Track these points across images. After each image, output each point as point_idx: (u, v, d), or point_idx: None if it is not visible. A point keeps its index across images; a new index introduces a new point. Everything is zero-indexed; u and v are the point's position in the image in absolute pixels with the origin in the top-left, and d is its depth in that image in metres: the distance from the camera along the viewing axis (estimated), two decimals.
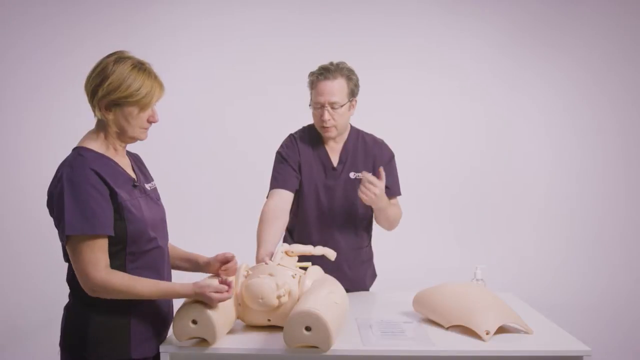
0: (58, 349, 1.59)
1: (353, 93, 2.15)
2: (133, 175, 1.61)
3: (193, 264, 1.76)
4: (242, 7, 3.57)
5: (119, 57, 1.51)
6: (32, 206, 3.28)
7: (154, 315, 1.60)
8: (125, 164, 1.60)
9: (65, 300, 1.60)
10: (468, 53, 3.62)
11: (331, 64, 2.13)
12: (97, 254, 1.44)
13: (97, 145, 1.53)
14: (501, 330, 1.70)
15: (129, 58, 1.52)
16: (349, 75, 2.13)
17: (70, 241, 1.44)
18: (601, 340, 3.02)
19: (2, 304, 3.23)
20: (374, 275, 2.40)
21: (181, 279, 1.68)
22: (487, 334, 1.64)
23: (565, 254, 3.57)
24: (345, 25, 3.57)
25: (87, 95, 1.51)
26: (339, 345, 1.56)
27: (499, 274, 2.62)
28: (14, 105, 3.41)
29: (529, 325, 1.73)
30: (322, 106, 2.08)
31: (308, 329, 1.47)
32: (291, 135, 2.28)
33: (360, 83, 2.25)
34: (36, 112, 3.42)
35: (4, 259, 3.27)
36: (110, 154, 1.55)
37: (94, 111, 1.52)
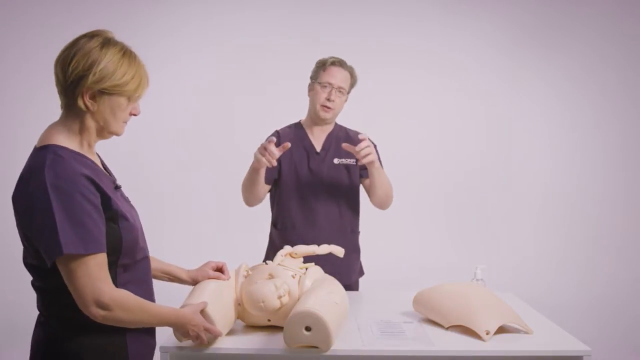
0: None
1: (349, 90, 2.30)
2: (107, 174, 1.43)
3: (174, 278, 1.68)
4: (242, 8, 3.57)
5: (106, 40, 1.33)
6: None
7: (147, 330, 1.49)
8: (99, 163, 1.42)
9: None
10: (468, 53, 3.63)
11: (341, 59, 2.28)
12: (103, 270, 1.27)
13: (69, 142, 1.33)
14: (501, 330, 1.70)
15: (115, 41, 1.35)
16: (352, 74, 2.29)
17: (67, 260, 1.24)
18: (601, 340, 3.03)
19: (2, 304, 3.23)
20: (361, 272, 2.41)
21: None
22: (487, 334, 1.64)
23: (564, 253, 3.58)
24: (345, 25, 3.57)
25: (65, 81, 1.31)
26: (339, 345, 1.56)
27: (499, 274, 2.62)
28: (14, 105, 3.41)
29: (529, 325, 1.73)
30: (331, 87, 2.20)
31: (308, 329, 1.47)
32: (275, 130, 2.34)
33: (360, 82, 2.32)
34: (37, 112, 3.42)
35: (3, 259, 3.27)
36: (84, 151, 1.35)
37: (70, 101, 1.32)
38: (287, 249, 1.85)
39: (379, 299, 2.20)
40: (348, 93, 2.29)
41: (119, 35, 1.38)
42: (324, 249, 1.91)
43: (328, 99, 2.19)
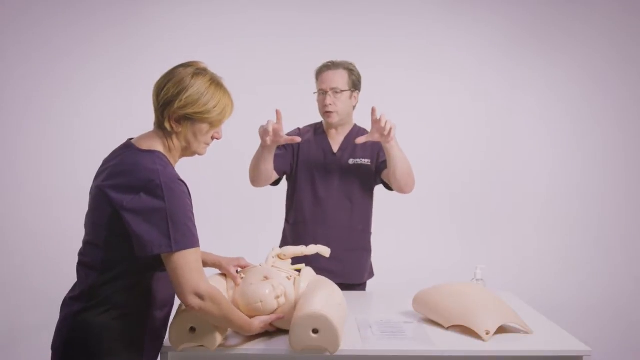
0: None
1: (355, 85, 2.28)
2: None
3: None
4: (243, 8, 3.57)
5: (197, 70, 1.47)
6: (32, 206, 3.28)
7: (161, 330, 1.56)
8: None
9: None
10: (469, 53, 3.62)
11: (334, 60, 2.30)
12: (200, 263, 1.42)
13: (165, 152, 1.49)
14: (501, 330, 1.70)
15: (206, 71, 1.49)
16: (350, 69, 2.27)
17: (172, 255, 1.37)
18: (601, 340, 3.03)
19: (2, 304, 3.23)
20: (371, 273, 2.41)
21: None
22: (487, 334, 1.64)
23: (565, 253, 3.57)
24: (345, 25, 3.57)
25: (157, 103, 1.47)
26: None
27: (499, 274, 2.61)
28: (14, 105, 3.41)
29: (529, 325, 1.73)
30: (325, 92, 2.23)
31: (315, 331, 1.47)
32: (297, 127, 2.39)
33: (362, 83, 2.30)
34: (37, 111, 3.42)
35: (4, 259, 3.27)
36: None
37: (160, 121, 1.47)
38: (276, 250, 1.85)
39: (379, 298, 2.21)
40: (354, 89, 2.27)
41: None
42: (311, 249, 1.90)
43: (325, 105, 2.23)
